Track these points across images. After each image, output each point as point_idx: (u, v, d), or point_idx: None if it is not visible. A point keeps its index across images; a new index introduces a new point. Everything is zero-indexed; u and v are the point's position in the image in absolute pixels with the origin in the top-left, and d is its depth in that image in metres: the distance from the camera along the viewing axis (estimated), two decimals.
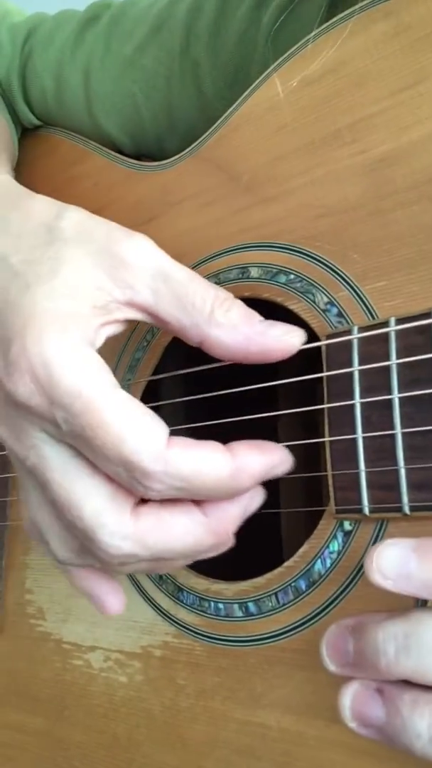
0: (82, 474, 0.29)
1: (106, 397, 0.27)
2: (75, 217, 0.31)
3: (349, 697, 0.27)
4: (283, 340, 0.30)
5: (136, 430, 0.27)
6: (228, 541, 0.31)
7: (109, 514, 0.28)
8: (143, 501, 0.30)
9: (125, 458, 0.27)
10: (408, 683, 0.26)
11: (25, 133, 0.59)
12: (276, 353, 0.31)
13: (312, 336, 0.36)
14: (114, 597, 0.33)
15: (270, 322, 0.31)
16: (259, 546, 0.42)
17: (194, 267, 0.43)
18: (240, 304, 0.31)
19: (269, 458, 0.30)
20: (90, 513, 0.28)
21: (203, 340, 0.30)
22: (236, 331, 0.30)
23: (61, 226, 0.31)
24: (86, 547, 0.30)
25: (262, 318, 0.31)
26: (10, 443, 0.30)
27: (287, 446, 0.32)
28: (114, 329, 0.31)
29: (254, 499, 0.31)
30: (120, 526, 0.28)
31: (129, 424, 0.27)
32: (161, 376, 0.44)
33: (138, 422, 0.27)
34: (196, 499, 0.30)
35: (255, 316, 0.31)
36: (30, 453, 0.30)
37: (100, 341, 0.30)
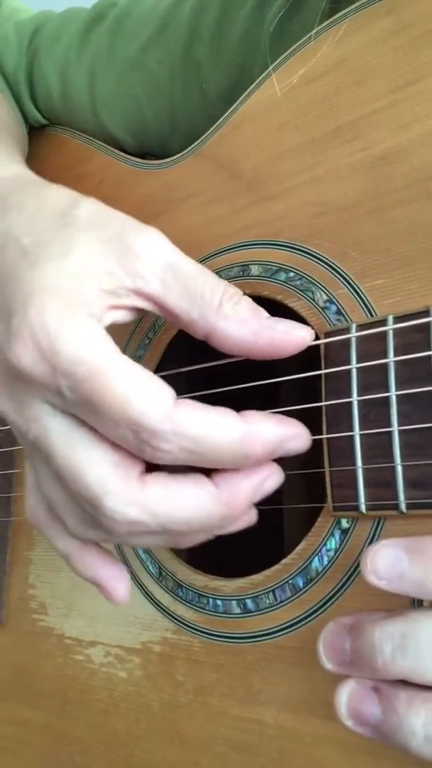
0: (86, 443, 0.29)
1: (110, 361, 0.27)
2: (90, 207, 0.32)
3: (345, 696, 0.27)
4: (291, 334, 0.30)
5: (143, 391, 0.27)
6: (242, 519, 0.31)
7: (115, 480, 0.28)
8: (150, 470, 0.29)
9: (133, 419, 0.27)
10: (404, 682, 0.26)
11: (32, 132, 0.60)
12: (285, 347, 0.30)
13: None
14: (120, 583, 0.33)
15: (277, 318, 0.31)
16: (261, 543, 0.43)
17: None
18: (248, 300, 0.31)
19: (284, 429, 0.30)
20: (95, 480, 0.28)
21: (210, 332, 0.30)
22: (244, 324, 0.30)
23: (76, 214, 0.31)
24: (94, 518, 0.30)
25: (268, 315, 0.31)
26: (12, 417, 0.30)
27: None
28: (121, 315, 0.31)
29: (271, 478, 0.31)
30: (125, 492, 0.28)
31: (135, 386, 0.27)
32: (163, 373, 0.44)
33: (144, 384, 0.27)
34: (208, 470, 0.30)
35: (262, 312, 0.31)
36: (31, 426, 0.29)
37: (106, 321, 0.30)
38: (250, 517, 0.32)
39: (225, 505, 0.29)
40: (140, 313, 0.32)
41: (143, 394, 0.27)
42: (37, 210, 0.32)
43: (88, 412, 0.28)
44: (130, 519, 0.28)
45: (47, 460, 0.30)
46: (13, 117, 0.56)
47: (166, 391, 0.28)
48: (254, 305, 0.31)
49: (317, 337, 0.35)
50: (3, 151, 0.43)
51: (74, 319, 0.27)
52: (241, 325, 0.30)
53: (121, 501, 0.28)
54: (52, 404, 0.29)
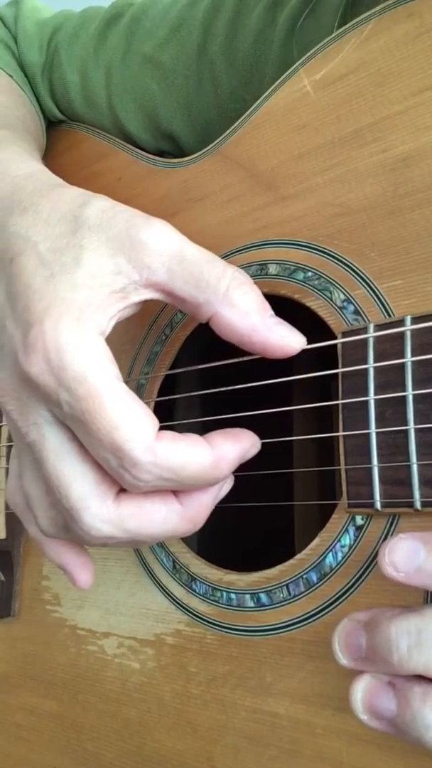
0: (74, 458, 0.31)
1: (107, 386, 0.29)
2: (100, 206, 0.33)
3: (360, 691, 0.27)
4: (285, 340, 0.32)
5: (130, 419, 0.29)
6: (200, 525, 0.34)
7: (94, 498, 0.30)
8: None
9: (117, 445, 0.28)
10: (419, 676, 0.26)
11: (50, 129, 0.60)
12: (275, 351, 0.32)
13: (328, 333, 0.36)
14: (85, 570, 0.36)
15: (279, 320, 0.32)
16: (271, 538, 0.43)
17: None
18: (257, 292, 0.32)
19: (242, 444, 0.32)
20: (76, 495, 0.30)
21: (213, 317, 0.32)
22: (247, 317, 0.31)
23: (86, 214, 0.32)
24: (68, 524, 0.32)
25: (273, 313, 0.32)
26: (14, 416, 0.32)
27: (301, 440, 0.32)
28: (128, 312, 0.32)
29: (224, 487, 0.34)
30: (102, 510, 0.30)
31: (124, 414, 0.29)
32: (178, 370, 0.44)
33: (132, 413, 0.29)
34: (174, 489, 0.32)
35: (268, 309, 0.32)
36: (31, 429, 0.31)
37: (110, 328, 0.32)
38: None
39: (190, 520, 0.32)
40: (147, 305, 0.33)
41: (130, 423, 0.29)
42: (51, 213, 0.33)
43: (79, 429, 0.30)
44: (104, 535, 0.31)
45: (37, 464, 0.32)
46: (33, 116, 0.56)
47: (151, 423, 0.29)
48: (261, 299, 0.32)
49: (334, 336, 0.35)
50: (22, 149, 0.44)
51: (85, 338, 0.29)
52: (244, 317, 0.31)
53: (98, 519, 0.30)
54: (53, 413, 0.31)
